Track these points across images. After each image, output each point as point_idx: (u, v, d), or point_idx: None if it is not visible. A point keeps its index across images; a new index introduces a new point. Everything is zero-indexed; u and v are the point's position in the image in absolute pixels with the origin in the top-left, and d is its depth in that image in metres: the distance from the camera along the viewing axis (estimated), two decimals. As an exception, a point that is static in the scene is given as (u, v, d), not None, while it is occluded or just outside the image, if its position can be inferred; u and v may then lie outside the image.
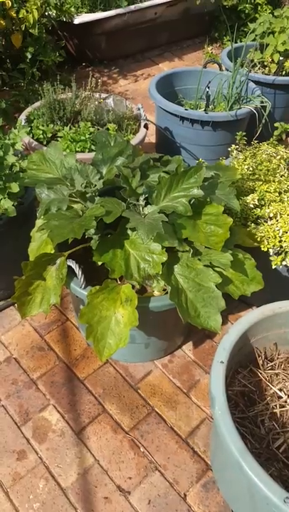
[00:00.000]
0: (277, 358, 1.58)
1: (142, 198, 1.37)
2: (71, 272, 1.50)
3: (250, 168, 1.80)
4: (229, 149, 1.93)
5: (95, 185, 1.42)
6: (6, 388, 1.71)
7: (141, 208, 1.38)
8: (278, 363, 1.57)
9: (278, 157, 1.80)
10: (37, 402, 1.68)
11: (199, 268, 1.37)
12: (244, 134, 1.98)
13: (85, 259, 1.64)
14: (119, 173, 1.41)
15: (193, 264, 1.37)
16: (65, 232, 1.26)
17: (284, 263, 1.61)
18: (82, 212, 1.40)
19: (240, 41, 3.67)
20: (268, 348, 1.57)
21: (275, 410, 1.44)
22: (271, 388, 1.49)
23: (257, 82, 2.62)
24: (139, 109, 2.28)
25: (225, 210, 1.46)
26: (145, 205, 1.39)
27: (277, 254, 1.64)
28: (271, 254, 1.60)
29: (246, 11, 3.68)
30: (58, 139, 2.07)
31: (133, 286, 1.38)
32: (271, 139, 1.95)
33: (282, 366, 1.56)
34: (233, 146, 1.91)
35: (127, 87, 3.49)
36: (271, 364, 1.56)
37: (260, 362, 1.55)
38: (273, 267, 1.61)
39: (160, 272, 1.32)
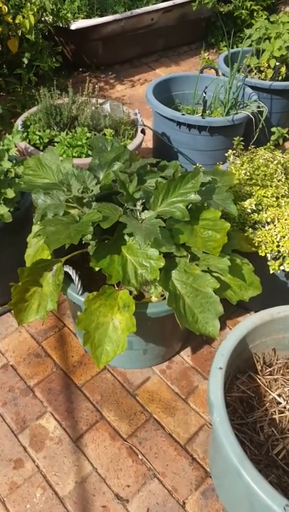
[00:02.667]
0: (276, 364, 1.57)
1: (139, 203, 1.36)
2: (68, 278, 1.49)
3: (248, 173, 1.79)
4: (226, 154, 1.93)
5: (92, 191, 1.41)
6: (2, 396, 1.70)
7: (138, 213, 1.37)
8: (277, 369, 1.56)
9: (275, 162, 1.80)
10: (34, 410, 1.66)
11: (197, 273, 1.36)
12: (241, 139, 1.98)
13: (82, 264, 1.63)
14: (116, 178, 1.41)
15: (190, 269, 1.37)
16: (62, 238, 1.25)
17: (282, 268, 1.61)
18: (79, 217, 1.39)
19: (237, 47, 3.69)
20: (266, 353, 1.56)
21: (274, 416, 1.43)
22: (270, 394, 1.48)
23: (253, 88, 2.63)
24: (136, 115, 2.28)
25: (222, 215, 1.45)
26: (142, 210, 1.38)
27: (275, 259, 1.63)
28: (269, 259, 1.60)
29: (242, 17, 3.70)
30: (55, 144, 2.06)
31: (131, 292, 1.37)
32: (268, 144, 1.95)
33: (281, 371, 1.55)
34: (230, 151, 1.91)
35: (123, 92, 3.50)
36: (270, 369, 1.55)
37: (259, 367, 1.54)
38: (271, 272, 1.60)
39: (158, 278, 1.31)
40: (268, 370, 1.55)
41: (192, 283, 1.36)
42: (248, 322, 1.39)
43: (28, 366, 1.80)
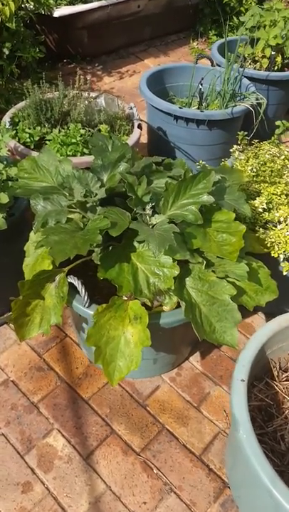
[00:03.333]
0: (293, 369, 1.51)
1: (148, 207, 1.27)
2: (72, 289, 1.39)
3: (254, 170, 1.71)
4: (231, 150, 1.84)
5: (96, 194, 1.31)
6: (4, 414, 1.60)
7: (147, 218, 1.28)
8: (294, 374, 1.50)
9: (282, 157, 1.72)
10: (40, 428, 1.57)
11: (212, 280, 1.28)
12: (245, 133, 1.89)
13: (84, 272, 1.54)
14: (120, 180, 1.31)
15: (205, 276, 1.29)
16: (68, 249, 1.15)
17: (295, 268, 1.54)
18: (83, 224, 1.30)
19: (227, 36, 3.58)
20: (282, 358, 1.50)
21: (295, 425, 1.36)
22: (288, 401, 1.42)
23: (249, 78, 2.53)
24: (131, 109, 2.17)
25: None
26: (152, 215, 1.29)
27: (287, 260, 1.56)
28: (282, 260, 1.52)
29: (231, 4, 3.59)
30: (46, 142, 1.94)
31: (144, 304, 1.28)
32: (273, 138, 1.87)
33: (299, 377, 1.49)
34: (235, 146, 1.82)
35: (112, 85, 3.37)
36: (286, 375, 1.49)
37: (275, 373, 1.48)
38: (284, 273, 1.53)
39: (172, 287, 1.23)
40: (284, 376, 1.48)
41: (208, 290, 1.28)
42: (266, 330, 1.32)
43: (31, 381, 1.70)
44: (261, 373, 1.47)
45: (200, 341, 1.77)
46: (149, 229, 1.22)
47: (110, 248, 1.34)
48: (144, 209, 1.27)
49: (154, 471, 1.49)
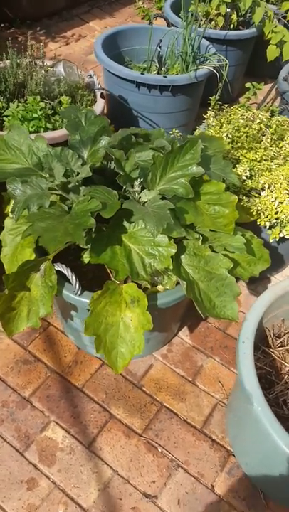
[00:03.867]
0: (285, 334, 1.53)
1: (136, 183, 1.19)
2: (60, 277, 1.31)
3: (229, 136, 1.66)
4: (205, 116, 1.77)
5: (78, 173, 1.22)
6: (-3, 413, 1.52)
7: (137, 195, 1.21)
8: (286, 339, 1.52)
9: (257, 121, 1.68)
10: (36, 422, 1.51)
11: (208, 255, 1.25)
12: (217, 98, 1.83)
13: (65, 257, 1.45)
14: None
15: (201, 252, 1.24)
16: (59, 236, 1.06)
17: (281, 235, 1.53)
18: (68, 207, 1.20)
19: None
20: (275, 325, 1.51)
21: (295, 389, 1.39)
22: (286, 366, 1.44)
23: (206, 39, 2.44)
24: (90, 77, 2.03)
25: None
26: (140, 191, 1.22)
27: (271, 227, 1.55)
28: (268, 227, 1.51)
29: None
30: (4, 118, 1.78)
31: (139, 286, 1.23)
32: (244, 101, 1.82)
33: (292, 341, 1.51)
34: (209, 112, 1.76)
35: (58, 51, 3.15)
36: (280, 340, 1.51)
37: (270, 341, 1.49)
38: (271, 240, 1.53)
39: (170, 266, 1.18)
40: (278, 342, 1.50)
41: (204, 266, 1.24)
42: (264, 300, 1.32)
43: (19, 375, 1.62)
44: (257, 342, 1.47)
45: (185, 315, 1.78)
46: (143, 207, 1.15)
47: (97, 231, 1.25)
48: (132, 185, 1.20)
49: (159, 449, 1.48)
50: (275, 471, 1.23)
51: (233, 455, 1.48)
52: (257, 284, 1.95)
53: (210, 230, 1.27)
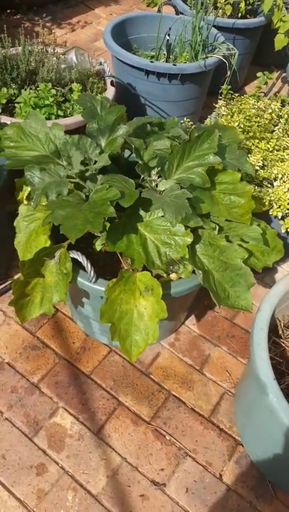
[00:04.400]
0: (294, 324, 1.54)
1: (154, 172, 1.19)
2: (74, 265, 1.31)
3: (241, 125, 1.66)
4: (216, 105, 1.76)
5: (95, 162, 1.21)
6: (5, 399, 1.52)
7: (154, 184, 1.20)
8: (296, 329, 1.53)
9: (269, 111, 1.67)
10: (45, 408, 1.52)
11: (223, 245, 1.25)
12: (229, 87, 1.82)
13: (77, 244, 1.45)
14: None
15: (216, 241, 1.25)
16: (79, 224, 1.06)
17: (292, 226, 1.54)
18: (85, 195, 1.20)
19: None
20: (286, 315, 1.52)
21: (305, 379, 1.41)
22: (296, 356, 1.46)
23: (214, 27, 2.41)
24: (101, 64, 2.01)
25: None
26: (157, 180, 1.21)
27: (283, 217, 1.56)
28: (280, 217, 1.52)
29: None
30: (15, 105, 1.76)
31: (153, 274, 1.23)
32: (255, 91, 1.81)
33: (301, 332, 1.52)
34: (220, 101, 1.75)
35: (64, 38, 3.11)
36: (289, 331, 1.52)
37: (280, 331, 1.50)
38: (283, 230, 1.53)
39: (186, 255, 1.18)
40: (288, 332, 1.51)
41: (219, 256, 1.24)
42: (277, 291, 1.32)
43: (27, 361, 1.62)
44: (268, 332, 1.48)
45: (192, 304, 1.79)
46: (161, 196, 1.14)
47: (113, 219, 1.25)
48: (149, 175, 1.19)
49: (167, 437, 1.49)
50: (284, 461, 1.25)
51: (241, 444, 1.49)
52: (264, 274, 1.96)
53: (225, 220, 1.27)
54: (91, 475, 1.40)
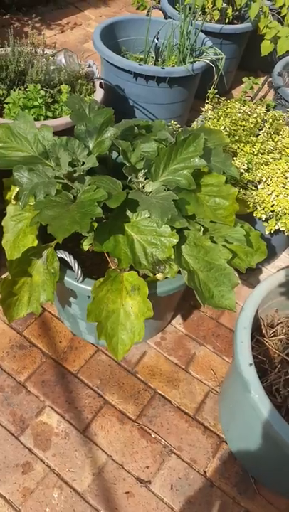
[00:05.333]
0: (278, 324, 1.57)
1: (141, 174, 1.21)
2: (62, 264, 1.32)
3: (227, 129, 1.69)
4: (203, 109, 1.79)
5: (83, 163, 1.23)
6: (-8, 397, 1.53)
7: (141, 186, 1.23)
8: (279, 329, 1.56)
9: (254, 115, 1.71)
10: (31, 407, 1.53)
11: (208, 246, 1.27)
12: (216, 91, 1.85)
13: (64, 244, 1.47)
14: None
15: (200, 242, 1.27)
16: (67, 224, 1.07)
17: (276, 227, 1.57)
18: (73, 196, 1.21)
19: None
20: (269, 315, 1.55)
21: (287, 377, 1.44)
22: (279, 355, 1.49)
23: (202, 32, 2.45)
24: (90, 66, 2.03)
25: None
26: (144, 182, 1.24)
27: (267, 219, 1.59)
28: (264, 219, 1.55)
29: None
30: (5, 105, 1.77)
31: (142, 275, 1.25)
32: (241, 95, 1.84)
33: (284, 331, 1.56)
34: (207, 105, 1.78)
35: (53, 39, 3.12)
36: (273, 330, 1.55)
37: (264, 330, 1.54)
38: (267, 232, 1.57)
39: (172, 256, 1.20)
40: (271, 332, 1.55)
41: (204, 256, 1.27)
42: (260, 291, 1.35)
43: (14, 360, 1.63)
44: (251, 331, 1.51)
45: (179, 304, 1.82)
46: (148, 198, 1.17)
47: (100, 220, 1.27)
48: (136, 176, 1.21)
49: (152, 435, 1.52)
50: (267, 458, 1.28)
51: (225, 442, 1.52)
52: (249, 274, 2.00)
53: (210, 221, 1.30)
54: (77, 473, 1.42)
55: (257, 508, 1.40)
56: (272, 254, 1.91)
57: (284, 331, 1.56)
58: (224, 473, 1.47)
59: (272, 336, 1.54)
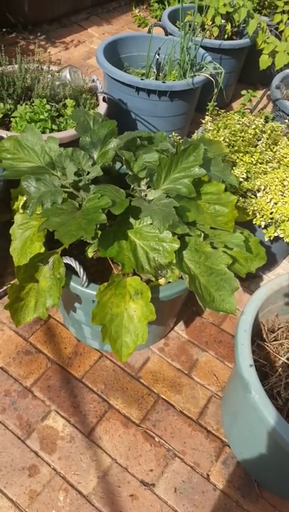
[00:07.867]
0: (279, 328, 1.61)
1: (143, 183, 1.27)
2: (67, 270, 1.37)
3: (226, 140, 1.75)
4: (203, 121, 1.85)
5: (88, 173, 1.28)
6: (-1, 402, 1.57)
7: (143, 194, 1.28)
8: (280, 333, 1.59)
9: (253, 127, 1.77)
10: (37, 411, 1.56)
11: (208, 251, 1.32)
12: (215, 104, 1.92)
13: (70, 251, 1.52)
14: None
15: (201, 247, 1.32)
16: (73, 230, 1.12)
17: (275, 234, 1.62)
18: (78, 204, 1.27)
19: (169, 3, 3.54)
20: (269, 320, 1.59)
21: (288, 380, 1.47)
22: (280, 359, 1.52)
23: (202, 47, 2.53)
24: (94, 81, 2.10)
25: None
26: (146, 190, 1.29)
27: (266, 226, 1.64)
28: (263, 226, 1.60)
29: None
30: (11, 119, 1.84)
31: (145, 280, 1.29)
32: (240, 107, 1.91)
33: (284, 336, 1.59)
34: (207, 117, 1.84)
35: (58, 56, 3.22)
36: (274, 335, 1.59)
37: (264, 334, 1.57)
38: (266, 239, 1.61)
39: (173, 261, 1.25)
40: (272, 336, 1.58)
41: (204, 261, 1.31)
42: (260, 293, 1.39)
43: (20, 365, 1.67)
44: (252, 335, 1.54)
45: (181, 310, 1.85)
46: (150, 205, 1.22)
47: (104, 227, 1.32)
48: (139, 185, 1.27)
49: (156, 439, 1.54)
50: (269, 460, 1.30)
51: (228, 446, 1.54)
52: (250, 281, 2.04)
53: (210, 228, 1.34)
54: (82, 476, 1.44)
55: (260, 511, 1.42)
56: (272, 261, 1.95)
57: (284, 335, 1.59)
58: (227, 477, 1.49)
59: (273, 341, 1.57)
